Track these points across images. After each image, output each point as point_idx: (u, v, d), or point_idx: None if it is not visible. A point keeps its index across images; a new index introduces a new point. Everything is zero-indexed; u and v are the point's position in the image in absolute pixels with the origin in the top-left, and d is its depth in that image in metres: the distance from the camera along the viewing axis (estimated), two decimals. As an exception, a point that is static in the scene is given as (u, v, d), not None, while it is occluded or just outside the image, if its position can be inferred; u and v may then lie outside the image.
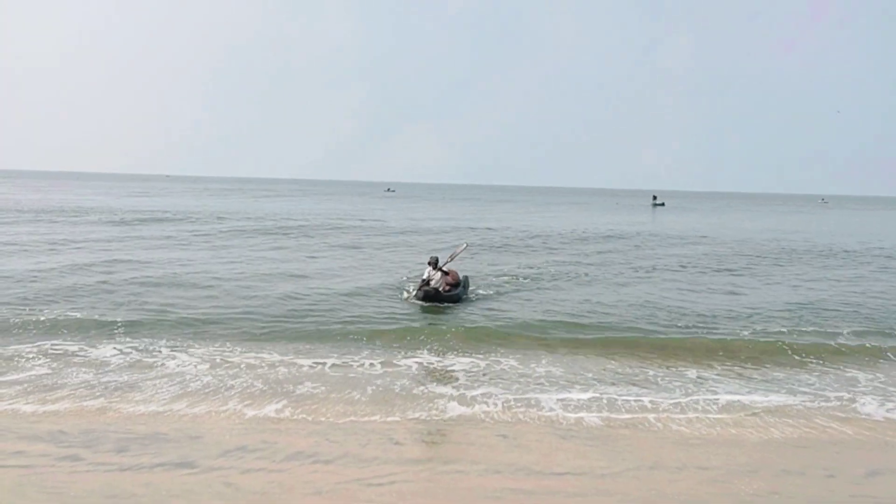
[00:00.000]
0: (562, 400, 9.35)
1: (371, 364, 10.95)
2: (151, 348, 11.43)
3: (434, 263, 16.38)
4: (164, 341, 11.84)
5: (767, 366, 11.44)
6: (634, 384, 10.25)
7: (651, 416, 8.79)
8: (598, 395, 9.63)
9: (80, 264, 20.35)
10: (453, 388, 9.85)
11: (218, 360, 10.85)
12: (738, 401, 9.54)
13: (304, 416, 8.51)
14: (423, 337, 12.56)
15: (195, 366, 10.53)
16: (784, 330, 13.83)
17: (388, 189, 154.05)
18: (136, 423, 8.06)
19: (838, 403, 9.55)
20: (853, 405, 9.48)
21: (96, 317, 13.34)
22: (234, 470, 6.68)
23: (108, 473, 6.56)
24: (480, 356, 11.57)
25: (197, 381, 9.79)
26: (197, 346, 11.66)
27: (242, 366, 10.61)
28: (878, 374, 11.10)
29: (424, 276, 16.27)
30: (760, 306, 16.51)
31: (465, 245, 18.89)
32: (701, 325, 14.23)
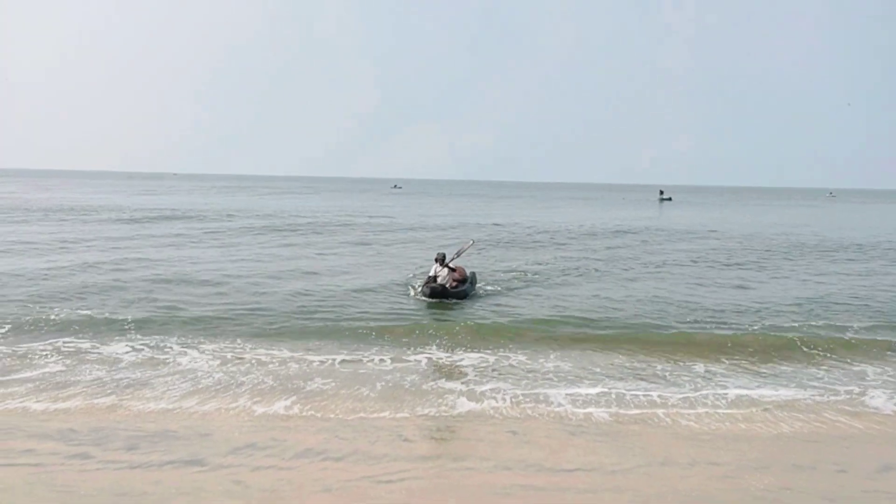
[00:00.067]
0: (570, 395, 9.33)
1: (381, 360, 10.98)
2: (163, 345, 11.48)
3: (441, 260, 16.36)
4: (175, 338, 11.89)
5: (776, 360, 11.38)
6: (643, 379, 10.23)
7: (660, 412, 8.76)
8: (606, 389, 9.61)
9: (91, 262, 20.45)
10: (462, 383, 9.85)
11: (229, 357, 10.90)
12: (747, 395, 9.50)
13: (314, 412, 8.52)
14: (431, 333, 12.55)
15: (206, 362, 10.57)
16: (793, 324, 13.76)
17: (395, 186, 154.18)
18: (146, 421, 8.07)
19: (848, 398, 9.50)
20: (863, 400, 9.42)
21: (107, 315, 13.40)
22: (243, 467, 6.68)
23: (117, 471, 6.58)
24: (489, 351, 11.56)
25: (208, 377, 9.83)
26: (208, 342, 11.71)
27: (253, 362, 10.65)
28: (887, 369, 11.03)
29: (431, 273, 16.26)
30: (769, 301, 16.43)
31: (471, 242, 18.86)
32: (709, 319, 14.18)
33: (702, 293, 17.59)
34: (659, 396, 9.35)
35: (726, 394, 9.53)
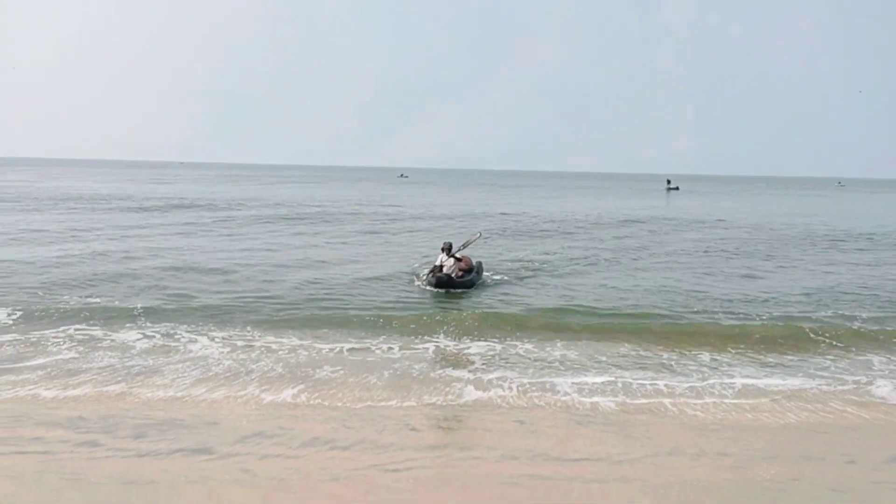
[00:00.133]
0: (577, 384, 9.34)
1: (388, 348, 11.02)
2: (173, 333, 11.56)
3: (447, 249, 16.35)
4: (185, 326, 11.97)
5: (783, 350, 11.35)
6: (650, 368, 10.21)
7: (667, 401, 8.74)
8: (613, 378, 9.61)
9: (101, 251, 20.58)
10: (469, 371, 9.87)
11: (239, 344, 10.99)
12: (754, 384, 9.48)
13: (321, 401, 8.54)
14: (438, 322, 12.56)
15: (216, 350, 10.66)
16: (800, 314, 13.71)
17: (401, 175, 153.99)
18: (155, 409, 8.11)
19: (855, 388, 9.47)
20: (870, 389, 9.39)
21: (118, 303, 13.49)
22: (251, 456, 6.70)
23: (126, 459, 6.60)
24: (496, 340, 11.58)
25: (218, 364, 9.90)
26: (218, 330, 11.79)
27: (262, 350, 10.73)
28: (893, 358, 10.97)
29: (437, 262, 16.24)
30: (777, 290, 16.37)
31: (479, 234, 18.78)
32: (717, 309, 14.12)
33: (709, 283, 17.53)
34: (665, 385, 9.33)
35: (733, 383, 9.51)
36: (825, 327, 12.56)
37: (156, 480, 6.12)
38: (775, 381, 9.64)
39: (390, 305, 13.98)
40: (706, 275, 18.83)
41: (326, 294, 14.96)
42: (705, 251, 24.15)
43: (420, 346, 11.26)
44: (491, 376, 9.63)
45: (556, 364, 10.31)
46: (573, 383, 9.35)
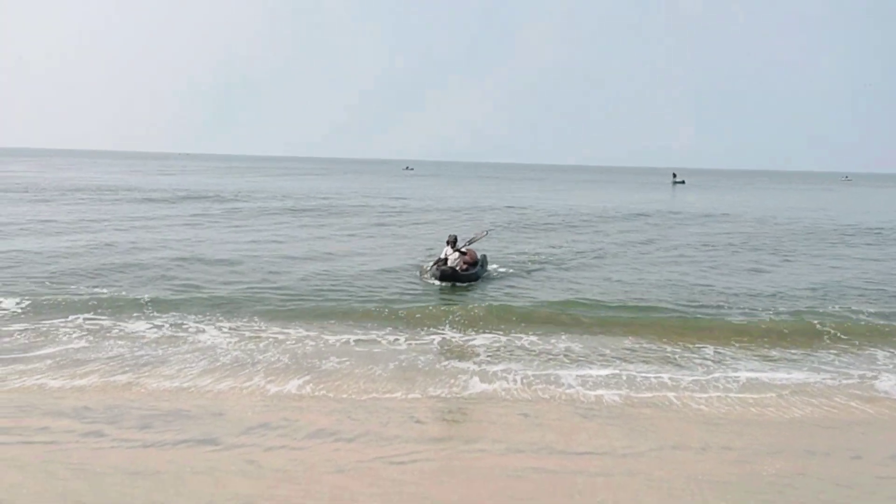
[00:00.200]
0: (581, 376, 9.34)
1: (394, 339, 11.06)
2: (181, 323, 11.62)
3: (453, 242, 16.33)
4: (192, 316, 12.02)
5: (788, 344, 11.31)
6: (654, 361, 10.21)
7: (671, 395, 8.73)
8: (617, 371, 9.61)
9: (109, 242, 20.66)
10: (474, 363, 9.89)
11: (246, 335, 11.05)
12: (758, 378, 9.47)
13: (326, 392, 8.55)
14: (444, 314, 12.57)
15: (224, 340, 10.72)
16: (806, 308, 13.66)
17: (407, 167, 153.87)
18: (160, 400, 8.13)
19: (860, 382, 9.44)
20: (875, 384, 9.36)
21: (126, 293, 13.53)
22: (256, 447, 6.71)
23: (131, 450, 6.62)
24: (500, 332, 11.59)
25: (225, 355, 9.94)
26: (225, 321, 11.84)
27: (269, 340, 10.78)
28: (898, 353, 10.96)
29: (442, 256, 16.23)
30: (783, 285, 16.33)
31: (486, 232, 18.67)
32: (722, 303, 14.09)
33: (715, 276, 17.50)
34: (670, 379, 9.33)
35: (738, 377, 9.49)
36: (830, 321, 12.51)
37: (161, 471, 6.14)
38: (780, 375, 9.62)
39: (396, 297, 13.99)
40: (711, 269, 18.80)
41: (333, 286, 14.98)
42: (711, 245, 24.09)
43: (426, 337, 11.29)
44: (496, 368, 9.64)
45: (561, 357, 10.31)
46: (577, 376, 9.35)
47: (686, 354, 10.58)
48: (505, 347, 10.77)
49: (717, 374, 9.60)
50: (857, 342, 11.48)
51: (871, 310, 13.54)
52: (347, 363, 9.72)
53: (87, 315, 11.96)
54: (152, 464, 6.29)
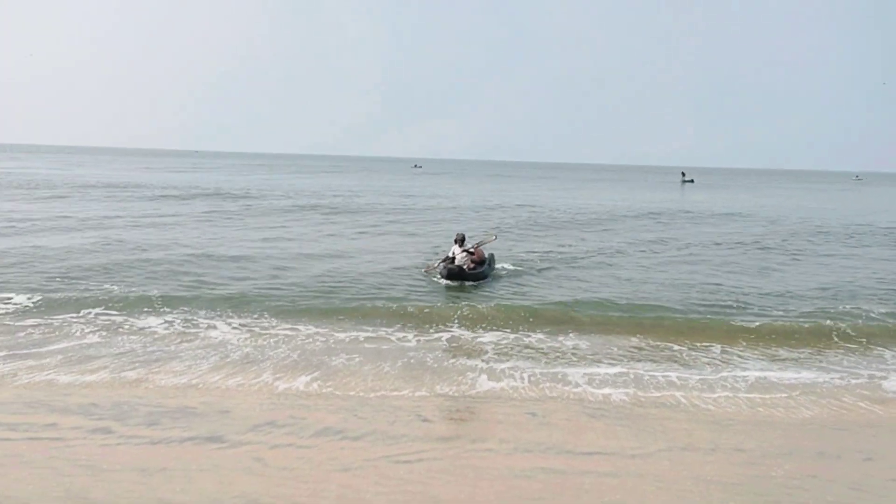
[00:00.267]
0: (589, 374, 9.33)
1: (403, 336, 11.10)
2: (192, 319, 11.70)
3: (461, 241, 16.29)
4: (203, 313, 12.13)
5: (797, 344, 11.25)
6: (662, 360, 10.17)
7: (679, 394, 8.67)
8: (625, 370, 9.58)
9: (122, 239, 20.79)
10: (482, 361, 9.88)
11: (257, 331, 11.14)
12: (767, 378, 9.42)
13: (333, 390, 8.54)
14: (453, 312, 12.55)
15: (234, 336, 10.81)
16: (815, 308, 13.58)
17: (416, 165, 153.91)
18: (168, 397, 8.13)
19: (869, 382, 9.38)
20: (884, 385, 9.29)
21: (138, 290, 13.61)
22: (262, 445, 6.70)
23: (138, 447, 6.62)
24: (509, 330, 11.61)
25: (236, 351, 10.01)
26: (236, 317, 11.93)
27: (280, 336, 10.87)
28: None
29: (450, 254, 16.20)
30: (792, 284, 16.24)
31: (494, 237, 18.55)
32: (731, 303, 14.00)
33: (724, 276, 17.40)
34: (678, 378, 9.29)
35: (746, 376, 9.45)
36: (839, 321, 12.44)
37: (167, 468, 6.13)
38: (788, 375, 9.56)
39: (406, 295, 14.02)
40: (721, 268, 18.68)
41: (343, 283, 15.02)
42: (720, 244, 23.98)
43: (434, 334, 11.31)
44: (504, 366, 9.62)
45: (569, 355, 10.30)
46: (585, 374, 9.32)
47: (693, 353, 10.54)
48: (513, 345, 10.75)
49: (724, 374, 9.56)
50: (866, 342, 11.42)
51: (883, 310, 13.43)
52: (356, 360, 9.73)
53: (98, 310, 12.07)
54: (159, 461, 6.29)
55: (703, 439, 7.20)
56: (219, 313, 12.11)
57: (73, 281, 14.33)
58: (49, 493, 5.61)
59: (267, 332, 11.11)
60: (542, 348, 10.61)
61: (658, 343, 11.05)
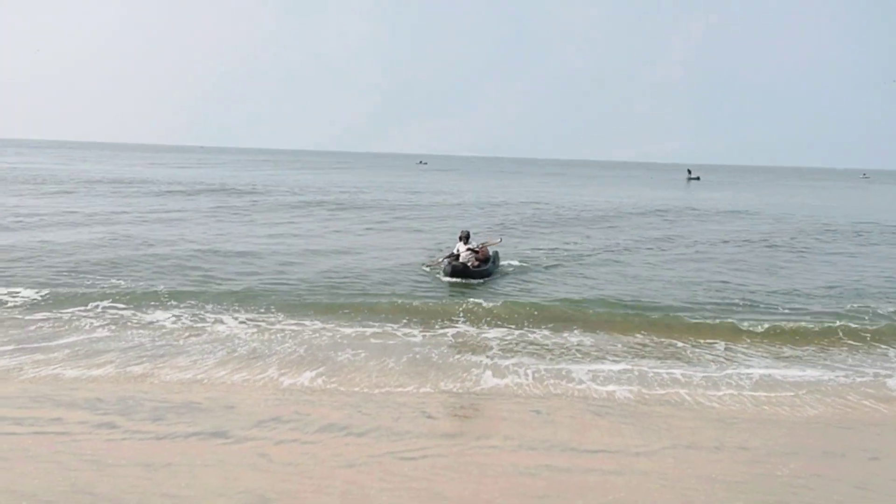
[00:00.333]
0: (593, 371, 9.33)
1: (408, 332, 11.13)
2: (199, 314, 11.76)
3: (465, 238, 16.28)
4: (210, 307, 12.21)
5: (801, 342, 11.23)
6: (667, 357, 10.16)
7: (684, 392, 8.67)
8: (629, 367, 9.57)
9: (129, 234, 20.87)
10: (487, 357, 9.89)
11: (263, 326, 11.17)
12: (771, 375, 9.41)
13: (338, 386, 8.55)
14: (458, 308, 12.57)
15: (241, 331, 10.85)
16: (821, 306, 13.55)
17: (420, 161, 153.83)
18: (173, 392, 8.15)
19: (874, 381, 9.36)
20: (889, 383, 9.27)
21: (145, 285, 13.68)
22: (267, 441, 6.71)
23: (143, 442, 6.64)
24: (513, 326, 11.62)
25: (242, 346, 10.05)
26: (243, 312, 11.98)
27: (286, 332, 10.89)
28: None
29: (454, 251, 16.19)
30: (799, 282, 16.19)
31: (500, 240, 18.48)
32: (737, 301, 13.96)
33: (729, 273, 17.35)
34: (682, 375, 9.27)
35: (751, 374, 9.44)
36: (845, 319, 12.42)
37: (172, 463, 6.15)
38: (793, 373, 9.54)
39: (411, 291, 14.05)
40: (727, 267, 18.62)
41: (350, 279, 15.06)
42: (727, 242, 23.90)
43: (440, 330, 11.34)
44: (508, 362, 9.62)
45: (574, 351, 10.30)
46: (589, 371, 9.32)
47: (698, 351, 10.53)
48: (518, 341, 10.76)
49: (729, 371, 9.54)
50: (872, 340, 11.38)
51: (890, 308, 13.38)
52: (361, 356, 9.75)
53: (105, 305, 12.12)
54: (164, 456, 6.30)
55: (708, 437, 7.19)
56: (226, 308, 12.17)
57: (81, 275, 14.39)
58: (54, 488, 5.63)
59: (273, 326, 11.14)
60: (547, 345, 10.60)
61: (662, 340, 11.04)
